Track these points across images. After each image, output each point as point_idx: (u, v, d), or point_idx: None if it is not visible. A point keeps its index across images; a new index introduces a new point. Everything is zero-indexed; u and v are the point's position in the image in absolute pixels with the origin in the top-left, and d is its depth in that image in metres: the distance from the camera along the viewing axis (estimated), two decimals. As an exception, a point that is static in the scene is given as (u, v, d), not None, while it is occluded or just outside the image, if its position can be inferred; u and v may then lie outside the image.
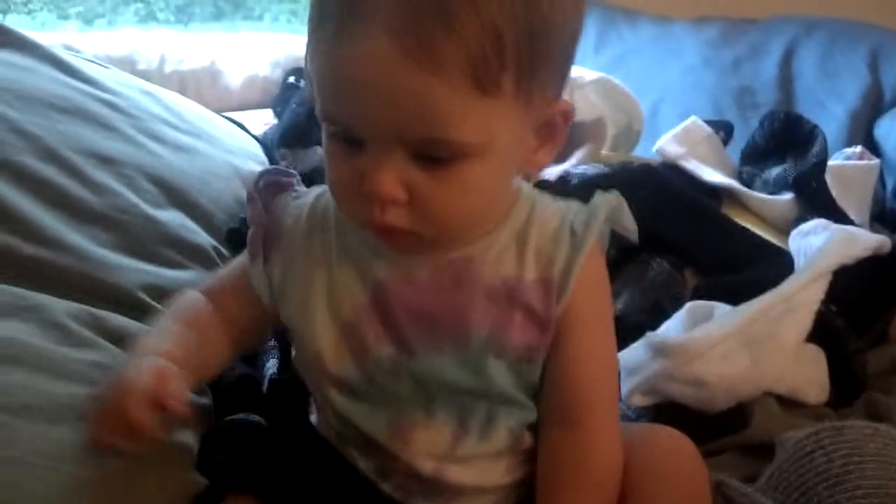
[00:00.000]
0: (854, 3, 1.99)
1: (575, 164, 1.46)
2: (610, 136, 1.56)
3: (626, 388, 0.99)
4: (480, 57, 0.60)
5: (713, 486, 0.79)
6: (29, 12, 2.20)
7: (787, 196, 1.41)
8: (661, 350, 0.97)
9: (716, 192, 1.48)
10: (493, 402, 0.75)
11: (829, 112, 1.77)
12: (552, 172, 1.39)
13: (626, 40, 2.14)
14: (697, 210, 1.36)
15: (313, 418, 0.85)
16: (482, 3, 0.59)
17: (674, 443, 0.79)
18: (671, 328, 1.06)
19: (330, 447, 0.81)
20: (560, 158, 1.45)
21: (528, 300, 0.72)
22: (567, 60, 0.69)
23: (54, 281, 0.92)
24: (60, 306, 0.88)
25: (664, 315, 1.11)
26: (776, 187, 1.45)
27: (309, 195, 0.80)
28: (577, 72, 1.54)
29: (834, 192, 1.38)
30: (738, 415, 0.96)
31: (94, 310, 0.90)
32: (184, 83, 1.85)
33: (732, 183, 1.48)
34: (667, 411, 0.97)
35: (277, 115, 1.80)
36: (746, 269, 1.24)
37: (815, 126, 1.50)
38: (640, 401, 0.98)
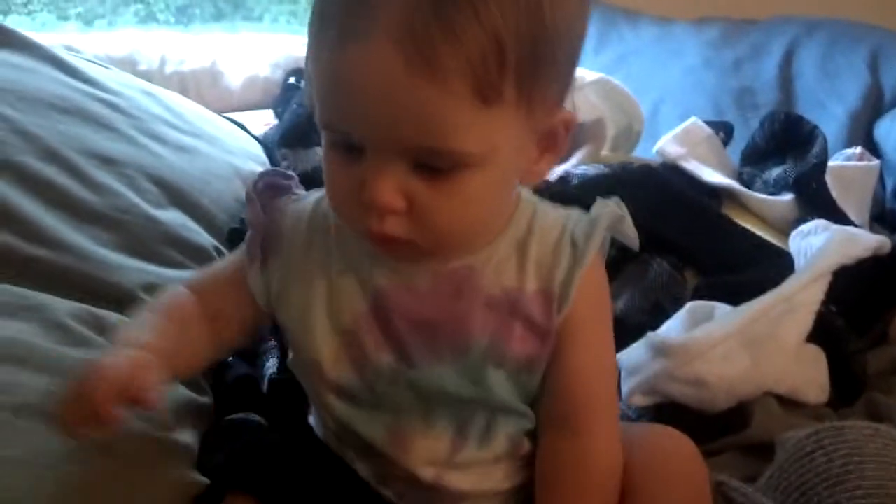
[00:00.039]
0: (854, 4, 2.00)
1: (575, 165, 1.46)
2: (610, 137, 1.56)
3: (626, 388, 0.99)
4: (482, 66, 0.59)
5: (713, 487, 0.80)
6: (29, 13, 2.20)
7: (788, 197, 1.41)
8: (661, 350, 0.97)
9: (716, 193, 1.48)
10: (492, 410, 0.75)
11: (829, 113, 1.77)
12: (553, 173, 1.39)
13: (626, 41, 2.14)
14: (697, 211, 1.36)
15: (312, 419, 0.85)
16: (484, 11, 0.58)
17: (674, 443, 0.79)
18: (671, 328, 1.06)
19: (329, 450, 0.81)
20: (560, 159, 1.45)
21: (528, 311, 0.72)
22: (570, 70, 0.69)
23: (55, 281, 0.92)
24: (62, 306, 0.88)
25: (665, 315, 1.11)
26: (776, 188, 1.46)
27: (308, 199, 0.79)
28: (578, 72, 1.53)
29: (834, 193, 1.38)
30: (738, 415, 0.96)
31: (95, 309, 0.90)
32: (184, 84, 1.85)
33: (732, 183, 1.48)
34: (667, 411, 0.97)
35: (278, 115, 1.80)
36: (746, 269, 1.24)
37: (816, 127, 1.50)
38: (640, 401, 0.98)
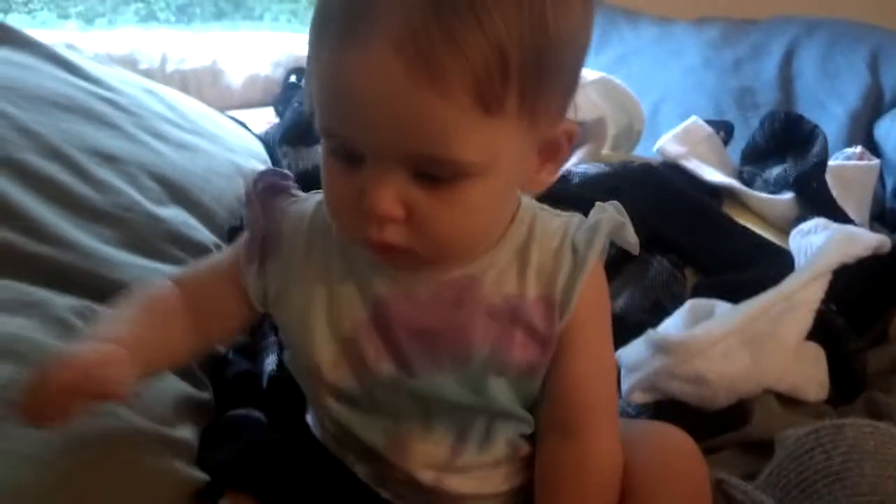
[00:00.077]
0: (854, 4, 2.00)
1: (576, 163, 1.46)
2: (611, 136, 1.57)
3: (626, 385, 0.99)
4: (485, 75, 0.58)
5: (713, 484, 0.80)
6: (29, 11, 2.20)
7: (788, 196, 1.42)
8: (661, 347, 0.97)
9: (716, 192, 1.48)
10: (492, 416, 0.75)
11: (829, 112, 1.77)
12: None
13: (627, 41, 2.14)
14: (698, 209, 1.36)
15: (309, 418, 0.85)
16: (487, 20, 0.57)
17: (675, 441, 0.79)
18: (672, 326, 1.06)
19: (328, 450, 0.81)
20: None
21: (529, 318, 0.71)
22: (573, 79, 0.68)
23: (57, 277, 0.92)
24: (63, 302, 0.88)
25: (665, 314, 1.10)
26: (776, 187, 1.46)
27: (308, 201, 0.78)
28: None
29: (834, 192, 1.39)
30: (737, 412, 0.96)
31: (96, 306, 0.90)
32: (185, 82, 1.85)
33: (733, 182, 1.48)
34: (667, 408, 0.97)
35: (279, 113, 1.80)
36: (747, 268, 1.24)
37: (816, 126, 1.50)
38: (640, 398, 0.98)
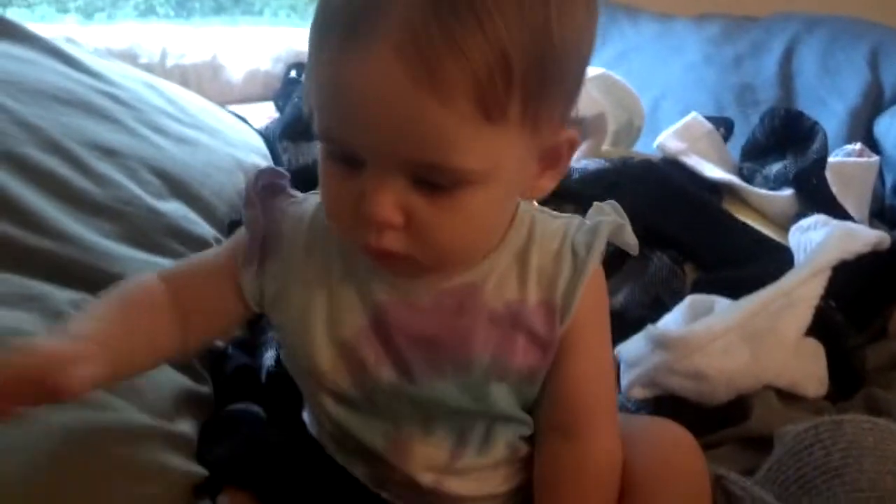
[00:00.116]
0: (854, 2, 2.00)
1: (576, 159, 1.46)
2: (611, 132, 1.57)
3: (626, 380, 0.99)
4: (487, 80, 0.57)
5: (713, 480, 0.80)
6: (29, 6, 2.20)
7: (788, 192, 1.42)
8: (661, 343, 0.97)
9: (716, 188, 1.48)
10: (492, 419, 0.75)
11: (829, 109, 1.78)
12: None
13: (627, 37, 2.15)
14: (698, 206, 1.36)
15: (306, 416, 0.84)
16: (490, 24, 0.56)
17: (675, 437, 0.79)
18: (671, 321, 1.06)
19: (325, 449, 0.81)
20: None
21: (530, 324, 0.71)
22: (576, 87, 0.67)
23: (57, 271, 0.92)
24: (63, 296, 0.88)
25: (665, 310, 1.11)
26: (776, 183, 1.46)
27: (307, 202, 0.77)
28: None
29: (834, 189, 1.39)
30: (737, 408, 0.96)
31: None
32: (185, 77, 1.85)
33: (733, 179, 1.48)
34: (666, 404, 0.97)
35: (279, 108, 1.80)
36: (746, 264, 1.24)
37: (816, 123, 1.50)
38: (639, 393, 0.98)
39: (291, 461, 0.81)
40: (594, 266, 0.72)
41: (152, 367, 0.79)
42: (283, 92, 1.85)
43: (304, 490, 0.79)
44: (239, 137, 1.45)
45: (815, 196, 1.37)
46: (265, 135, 1.55)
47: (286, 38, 2.03)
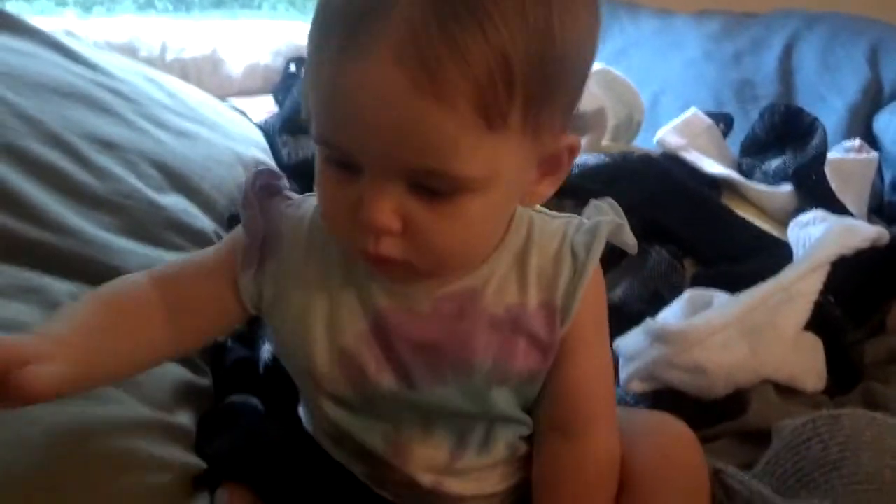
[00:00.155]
0: (854, -2, 2.00)
1: (575, 155, 1.45)
2: (610, 127, 1.56)
3: (625, 374, 1.00)
4: (488, 86, 0.56)
5: (711, 474, 0.80)
6: (28, -1, 2.20)
7: (787, 187, 1.42)
8: (660, 336, 0.97)
9: (716, 184, 1.48)
10: (492, 421, 0.75)
11: (828, 105, 1.78)
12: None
13: (627, 33, 2.15)
14: (697, 201, 1.36)
15: (301, 412, 0.84)
16: (491, 29, 0.55)
17: (673, 431, 0.80)
18: (670, 315, 1.07)
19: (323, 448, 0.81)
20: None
21: (531, 327, 0.71)
22: (577, 93, 0.66)
23: (56, 264, 0.92)
24: (62, 288, 0.88)
25: (663, 304, 1.11)
26: (776, 179, 1.46)
27: (305, 204, 0.76)
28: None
29: (833, 185, 1.39)
30: (735, 402, 0.97)
31: (96, 292, 0.90)
32: (185, 71, 1.85)
33: (732, 174, 1.48)
34: (665, 397, 0.98)
35: (279, 102, 1.80)
36: (746, 259, 1.24)
37: (815, 119, 1.50)
38: (638, 387, 0.99)
39: (290, 456, 0.80)
40: (594, 267, 0.71)
41: (143, 367, 0.77)
42: (282, 86, 1.85)
43: (302, 486, 0.79)
44: (239, 131, 1.45)
45: (815, 192, 1.37)
46: (265, 128, 1.55)
47: (285, 32, 2.03)
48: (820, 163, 1.41)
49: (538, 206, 0.76)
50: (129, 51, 1.80)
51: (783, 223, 1.34)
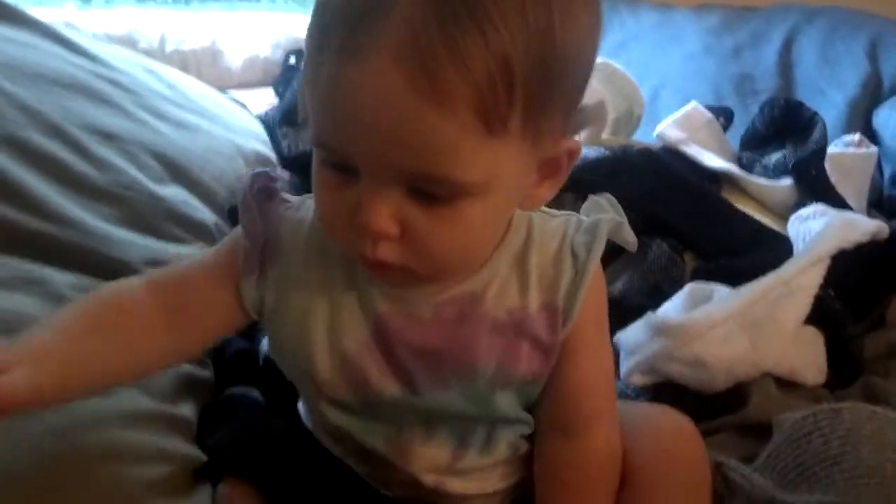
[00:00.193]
0: (854, -7, 2.00)
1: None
2: (610, 121, 1.56)
3: (625, 367, 1.00)
4: (488, 89, 0.55)
5: (713, 467, 0.80)
6: (27, -10, 2.18)
7: (787, 182, 1.42)
8: (660, 330, 0.97)
9: (716, 178, 1.48)
10: (494, 422, 0.75)
11: (828, 100, 1.78)
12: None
13: (627, 27, 2.15)
14: (697, 195, 1.36)
15: (301, 408, 0.84)
16: (493, 34, 0.54)
17: (676, 425, 0.80)
18: (671, 309, 1.07)
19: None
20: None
21: (534, 330, 0.70)
22: (578, 97, 0.64)
23: (57, 255, 0.92)
24: (63, 280, 0.88)
25: (664, 298, 1.11)
26: (776, 173, 1.46)
27: (304, 207, 0.74)
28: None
29: (833, 179, 1.39)
30: (735, 395, 0.97)
31: (98, 283, 0.90)
32: (185, 63, 1.84)
33: (733, 168, 1.48)
34: (666, 390, 0.98)
35: (279, 94, 1.80)
36: (745, 254, 1.24)
37: (815, 113, 1.50)
38: (639, 380, 0.99)
39: (290, 450, 0.80)
40: (595, 268, 0.71)
41: (142, 374, 0.76)
42: (282, 78, 1.85)
43: (302, 481, 0.78)
44: (239, 123, 1.45)
45: (815, 186, 1.37)
46: (265, 120, 1.55)
47: (285, 25, 2.02)
48: (820, 157, 1.41)
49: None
50: (129, 42, 1.79)
51: (783, 217, 1.34)
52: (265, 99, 1.77)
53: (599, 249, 0.71)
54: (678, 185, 1.35)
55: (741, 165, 1.52)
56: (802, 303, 1.03)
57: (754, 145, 1.55)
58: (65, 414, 0.71)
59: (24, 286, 0.85)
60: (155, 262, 0.97)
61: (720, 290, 1.07)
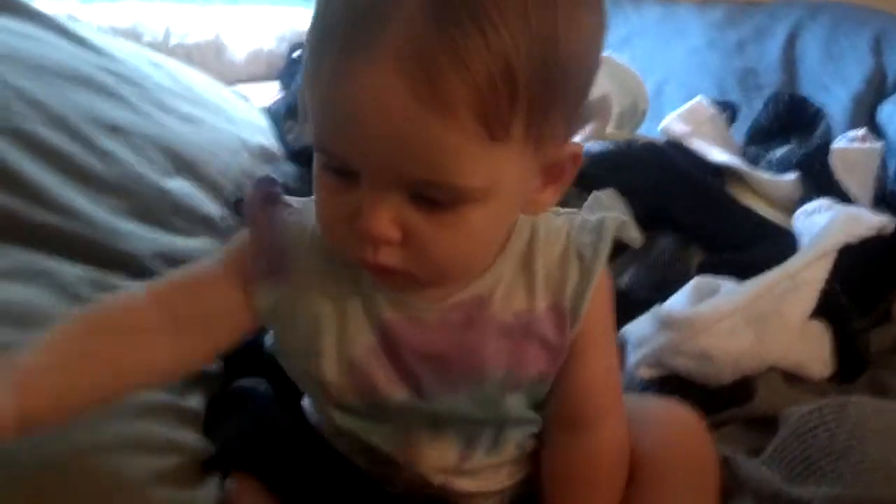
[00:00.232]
0: (858, -12, 2.00)
1: (581, 141, 1.45)
2: (614, 115, 1.56)
3: (632, 359, 1.00)
4: (490, 94, 0.54)
5: (721, 461, 0.80)
6: (31, -17, 2.18)
7: (791, 176, 1.41)
8: (667, 323, 0.98)
9: (720, 172, 1.48)
10: (503, 424, 0.75)
11: (832, 95, 1.77)
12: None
13: (631, 22, 2.14)
14: (701, 189, 1.36)
15: (306, 403, 0.84)
16: (495, 39, 0.53)
17: (683, 419, 0.80)
18: (677, 303, 1.06)
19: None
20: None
21: (542, 331, 0.70)
22: (581, 100, 0.63)
23: (64, 247, 0.92)
24: (70, 271, 0.89)
25: (670, 291, 1.11)
26: (780, 167, 1.46)
27: (307, 211, 0.72)
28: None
29: (837, 174, 1.39)
30: (742, 388, 0.97)
31: (105, 275, 0.90)
32: (188, 57, 1.83)
33: (737, 162, 1.48)
34: (672, 383, 0.98)
35: (285, 85, 1.79)
36: (750, 248, 1.24)
37: (820, 108, 1.50)
38: (645, 373, 0.99)
39: (296, 444, 0.80)
40: (601, 270, 0.70)
41: (146, 387, 0.75)
42: (286, 71, 1.84)
43: (309, 478, 0.78)
44: (243, 117, 1.45)
45: (819, 180, 1.37)
46: (270, 113, 1.55)
47: (289, 18, 2.01)
48: (824, 152, 1.41)
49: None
50: (133, 36, 1.79)
51: (789, 211, 1.33)
52: (269, 92, 1.76)
53: (606, 250, 0.70)
54: (682, 180, 1.35)
55: (746, 160, 1.52)
56: (808, 297, 1.04)
57: (759, 140, 1.55)
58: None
59: (30, 277, 0.85)
60: (164, 256, 0.98)
61: (726, 284, 1.07)
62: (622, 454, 0.76)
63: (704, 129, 1.51)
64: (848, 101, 1.75)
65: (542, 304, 0.70)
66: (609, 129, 1.54)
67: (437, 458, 0.75)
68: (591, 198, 0.76)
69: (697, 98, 1.59)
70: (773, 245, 1.22)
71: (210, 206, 1.14)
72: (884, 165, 1.54)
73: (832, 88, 1.80)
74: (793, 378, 0.99)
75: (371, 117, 0.55)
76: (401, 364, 0.70)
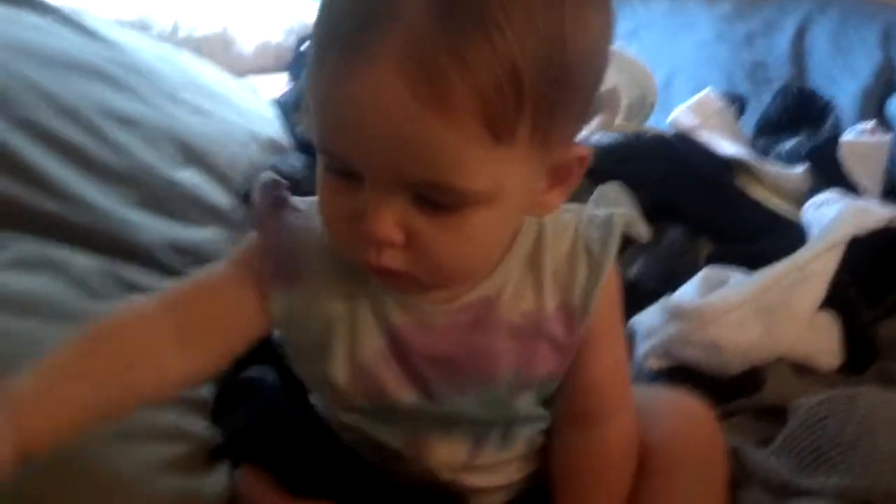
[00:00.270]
0: (866, -18, 1.99)
1: (589, 133, 1.45)
2: (623, 107, 1.56)
3: (641, 350, 1.00)
4: (496, 100, 0.53)
5: (729, 452, 0.81)
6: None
7: (800, 169, 1.41)
8: (676, 314, 0.98)
9: (729, 165, 1.47)
10: (512, 422, 0.75)
11: (841, 88, 1.77)
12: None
13: (638, 14, 2.14)
14: (710, 182, 1.36)
15: (315, 398, 0.83)
16: (500, 41, 0.52)
17: (692, 409, 0.80)
18: (686, 293, 1.06)
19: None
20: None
21: (551, 331, 0.70)
22: (589, 101, 0.62)
23: (74, 237, 0.93)
24: (81, 261, 0.89)
25: (679, 283, 1.10)
26: (790, 160, 1.45)
27: (312, 214, 0.70)
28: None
29: (846, 167, 1.38)
30: (750, 379, 0.97)
31: (117, 265, 0.91)
32: (197, 49, 1.83)
33: (746, 155, 1.48)
34: (681, 374, 0.98)
35: (294, 76, 1.79)
36: (758, 241, 1.24)
37: (829, 102, 1.50)
38: (654, 364, 0.99)
39: (305, 439, 0.80)
40: (610, 267, 0.70)
41: (157, 398, 0.72)
42: (295, 63, 1.84)
43: (317, 470, 0.78)
44: (252, 108, 1.45)
45: (828, 173, 1.37)
46: (279, 106, 1.55)
47: (297, 11, 2.01)
48: (833, 145, 1.40)
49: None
50: (141, 28, 1.79)
51: (798, 203, 1.33)
52: (278, 85, 1.76)
53: (614, 246, 0.70)
54: (691, 172, 1.35)
55: (755, 152, 1.51)
56: (817, 288, 1.04)
57: (768, 133, 1.54)
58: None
59: (41, 267, 0.86)
60: (174, 246, 0.98)
61: (735, 275, 1.07)
62: (631, 446, 0.76)
63: (713, 122, 1.51)
64: (857, 95, 1.75)
65: (551, 303, 0.69)
66: (618, 122, 1.54)
67: (446, 455, 0.75)
68: (596, 192, 0.75)
69: (706, 90, 1.58)
70: (782, 237, 1.22)
71: (220, 197, 1.14)
72: (892, 158, 1.54)
73: (841, 82, 1.79)
74: (802, 369, 0.99)
75: (372, 120, 0.55)
76: (409, 367, 0.69)
